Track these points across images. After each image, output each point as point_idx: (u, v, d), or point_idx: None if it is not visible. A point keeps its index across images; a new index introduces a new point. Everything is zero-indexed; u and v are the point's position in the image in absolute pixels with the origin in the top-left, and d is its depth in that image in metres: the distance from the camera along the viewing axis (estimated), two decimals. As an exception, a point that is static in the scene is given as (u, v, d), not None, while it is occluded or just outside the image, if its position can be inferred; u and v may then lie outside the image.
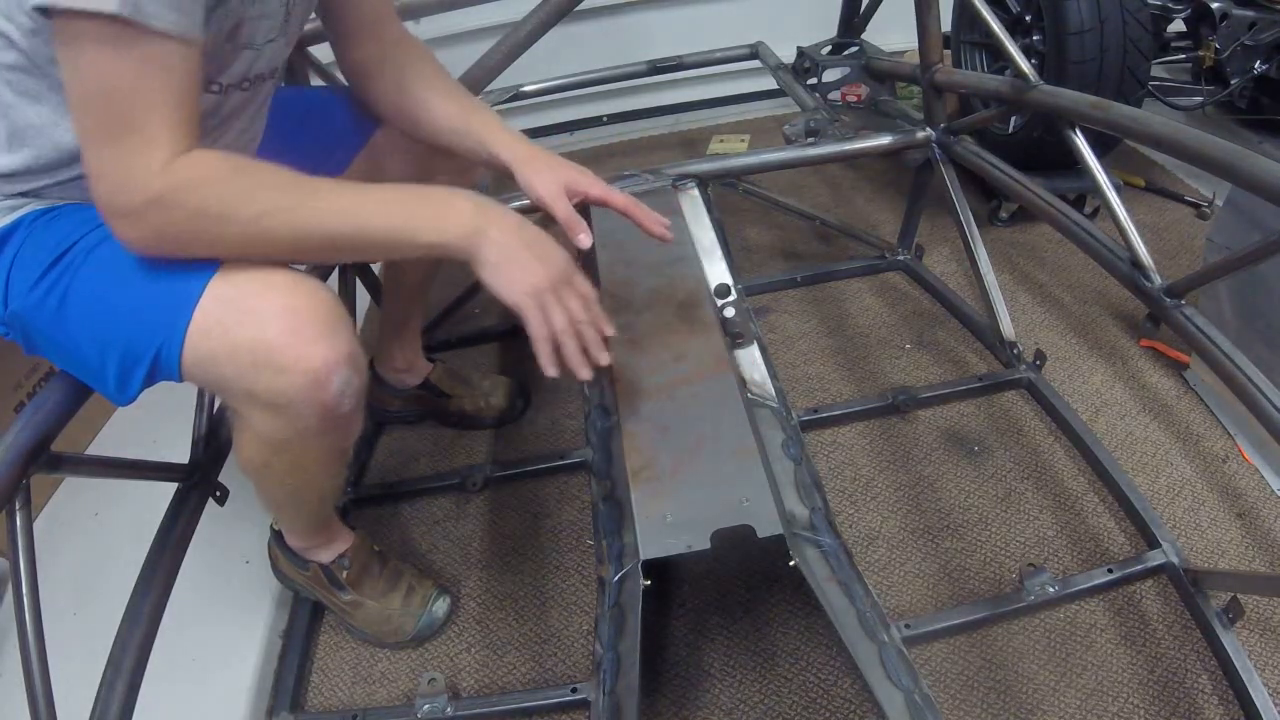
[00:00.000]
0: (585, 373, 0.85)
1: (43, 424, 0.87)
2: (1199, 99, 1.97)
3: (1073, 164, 1.29)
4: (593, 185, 0.97)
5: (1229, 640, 1.00)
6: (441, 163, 1.18)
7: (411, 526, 1.37)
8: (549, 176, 0.96)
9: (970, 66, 1.99)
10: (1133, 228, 1.17)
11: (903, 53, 2.25)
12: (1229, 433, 1.34)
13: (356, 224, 0.78)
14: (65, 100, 0.71)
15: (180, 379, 0.78)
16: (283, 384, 0.76)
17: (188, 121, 0.72)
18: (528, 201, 0.99)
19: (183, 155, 0.71)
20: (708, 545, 0.81)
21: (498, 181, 1.14)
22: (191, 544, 1.06)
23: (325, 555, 1.13)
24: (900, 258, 1.84)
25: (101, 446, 1.60)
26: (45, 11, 0.64)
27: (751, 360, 1.10)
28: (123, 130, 0.68)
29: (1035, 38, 1.78)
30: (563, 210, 0.94)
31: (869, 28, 2.27)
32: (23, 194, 0.84)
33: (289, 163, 0.78)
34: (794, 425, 1.06)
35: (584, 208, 1.36)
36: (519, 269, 0.82)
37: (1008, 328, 1.49)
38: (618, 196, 0.97)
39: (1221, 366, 1.03)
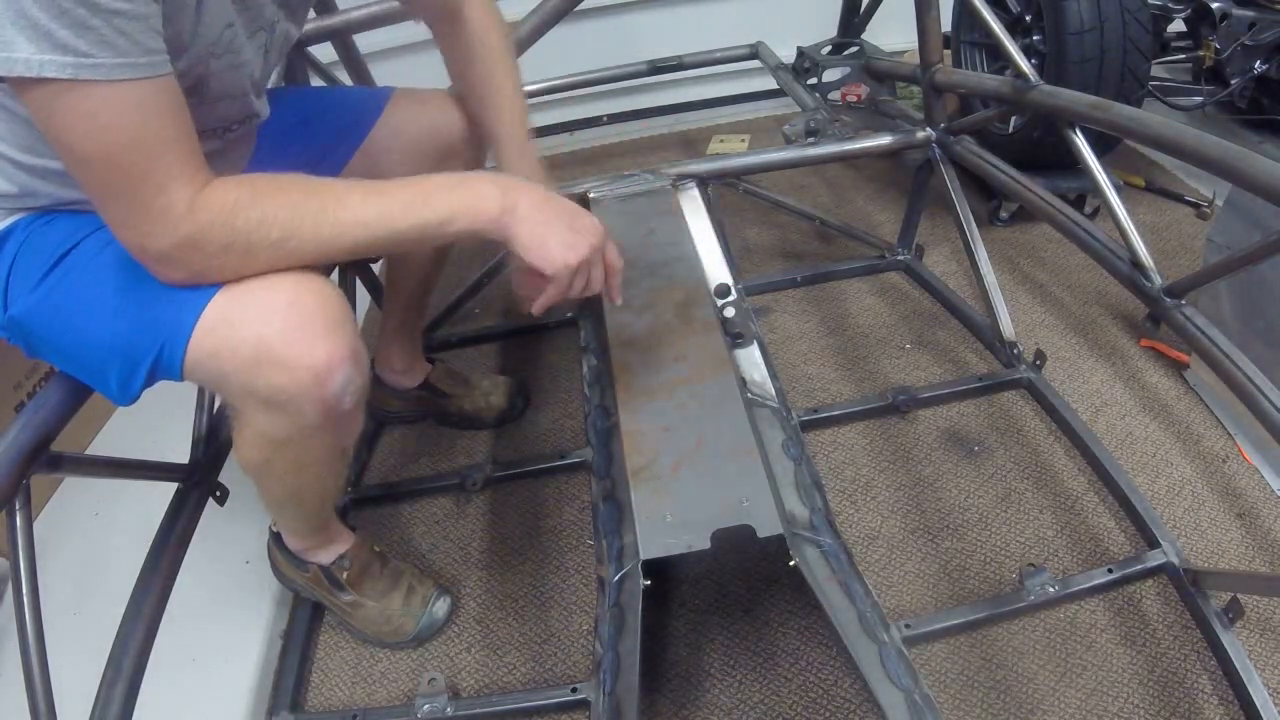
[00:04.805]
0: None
1: (43, 424, 0.87)
2: (1199, 99, 1.97)
3: (1073, 164, 1.29)
4: None
5: (1229, 640, 1.00)
6: (441, 163, 1.18)
7: (411, 526, 1.37)
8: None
9: (970, 66, 1.98)
10: (1133, 228, 1.17)
11: (903, 53, 2.25)
12: (1229, 433, 1.34)
13: (385, 226, 0.77)
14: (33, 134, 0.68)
15: (180, 377, 0.78)
16: (284, 380, 0.76)
17: (195, 152, 0.70)
18: None
19: (203, 191, 0.69)
20: (708, 545, 0.81)
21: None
22: (191, 544, 1.07)
23: (325, 556, 1.13)
24: (900, 258, 1.84)
25: (101, 446, 1.59)
26: None
27: (751, 360, 1.11)
28: (135, 180, 0.66)
29: (1035, 38, 1.78)
30: None
31: (869, 28, 2.27)
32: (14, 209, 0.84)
33: (287, 162, 0.78)
34: (794, 425, 1.06)
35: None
36: (556, 245, 0.82)
37: (1008, 328, 1.49)
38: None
39: (1221, 366, 1.03)
